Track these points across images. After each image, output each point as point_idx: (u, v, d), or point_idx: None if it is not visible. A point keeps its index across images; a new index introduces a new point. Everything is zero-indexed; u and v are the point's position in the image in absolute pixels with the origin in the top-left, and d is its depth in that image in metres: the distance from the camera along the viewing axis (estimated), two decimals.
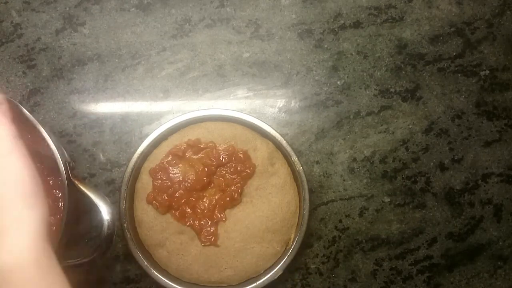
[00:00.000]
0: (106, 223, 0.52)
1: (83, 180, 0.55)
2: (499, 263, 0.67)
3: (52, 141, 0.53)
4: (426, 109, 0.68)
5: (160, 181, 0.60)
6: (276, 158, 0.62)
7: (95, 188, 0.58)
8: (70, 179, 0.53)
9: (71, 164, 0.54)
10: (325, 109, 0.68)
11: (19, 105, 0.53)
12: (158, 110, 0.67)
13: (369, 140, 0.67)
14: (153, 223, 0.60)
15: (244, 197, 0.61)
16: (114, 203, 0.65)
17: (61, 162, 0.53)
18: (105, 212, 0.52)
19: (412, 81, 0.69)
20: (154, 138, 0.62)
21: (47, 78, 0.67)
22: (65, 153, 0.56)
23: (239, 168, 0.60)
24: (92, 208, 0.53)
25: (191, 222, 0.60)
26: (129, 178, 0.61)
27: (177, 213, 0.60)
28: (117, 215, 0.59)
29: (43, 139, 0.53)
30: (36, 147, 0.55)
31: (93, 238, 0.64)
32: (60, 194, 0.56)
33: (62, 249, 0.53)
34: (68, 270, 0.39)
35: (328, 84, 0.68)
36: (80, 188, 0.53)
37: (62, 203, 0.55)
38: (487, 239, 0.67)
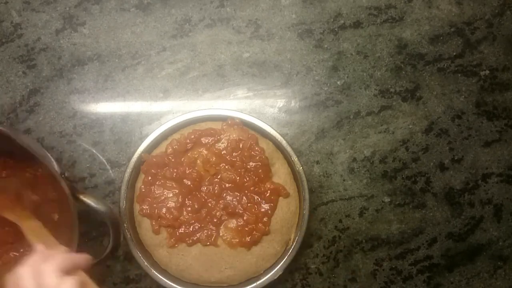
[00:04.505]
0: (110, 224, 0.53)
1: (83, 191, 0.55)
2: (499, 263, 0.67)
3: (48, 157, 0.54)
4: (426, 109, 0.68)
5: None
6: (276, 158, 0.62)
7: (94, 194, 0.58)
8: (75, 195, 0.53)
9: (65, 174, 0.54)
10: (325, 109, 0.68)
11: (12, 132, 0.53)
12: (158, 110, 0.67)
13: (369, 140, 0.67)
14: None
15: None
16: (114, 203, 0.65)
17: (64, 184, 0.52)
18: (105, 213, 0.53)
19: (412, 81, 0.69)
20: (154, 138, 0.62)
21: (47, 78, 0.67)
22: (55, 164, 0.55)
23: (252, 164, 0.60)
24: (89, 210, 0.54)
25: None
26: (129, 178, 0.61)
27: None
28: (118, 214, 0.59)
29: (43, 165, 0.53)
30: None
31: (93, 238, 0.64)
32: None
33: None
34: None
35: (328, 84, 0.68)
36: (84, 200, 0.53)
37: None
38: (487, 239, 0.67)
